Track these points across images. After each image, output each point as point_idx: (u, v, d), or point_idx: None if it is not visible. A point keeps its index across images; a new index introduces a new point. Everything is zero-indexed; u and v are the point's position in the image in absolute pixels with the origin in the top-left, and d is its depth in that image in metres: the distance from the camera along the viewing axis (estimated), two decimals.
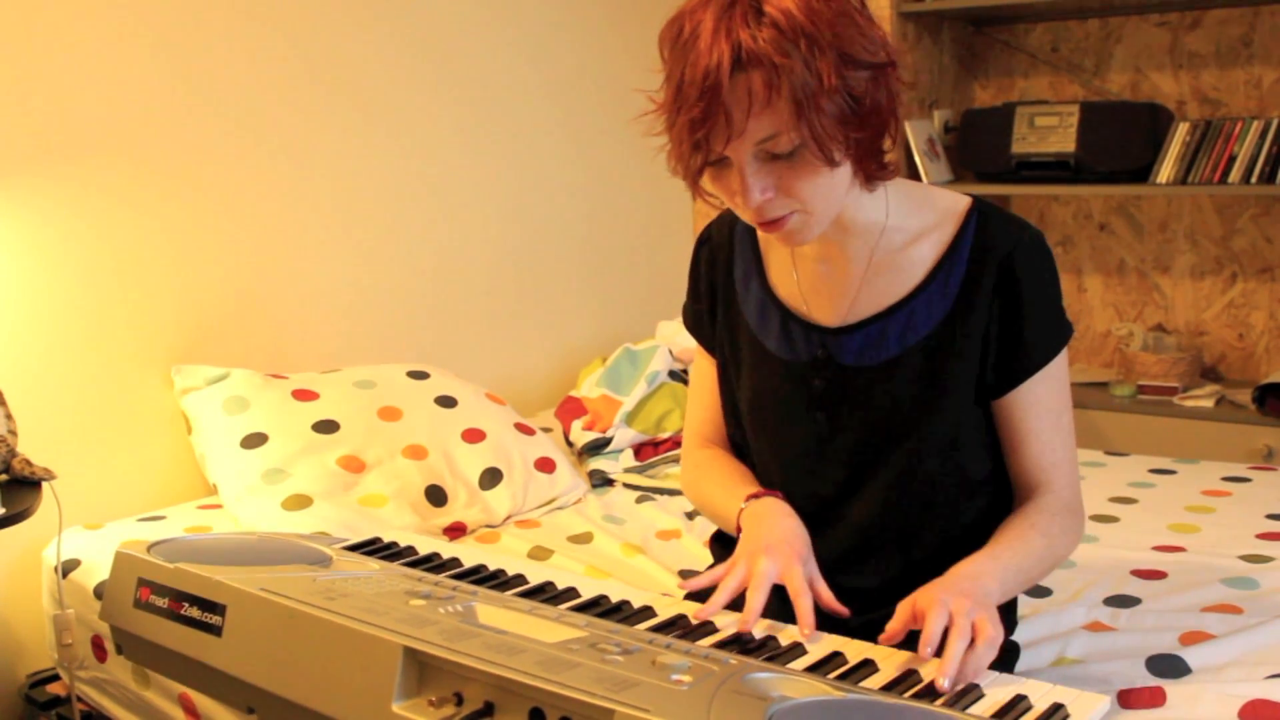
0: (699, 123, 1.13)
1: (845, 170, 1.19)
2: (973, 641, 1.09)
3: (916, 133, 3.22)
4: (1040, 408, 1.30)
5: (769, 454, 1.40)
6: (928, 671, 1.09)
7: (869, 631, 1.25)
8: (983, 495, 1.35)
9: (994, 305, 1.27)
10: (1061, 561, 1.31)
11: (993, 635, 1.09)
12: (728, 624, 1.22)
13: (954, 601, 1.12)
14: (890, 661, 1.13)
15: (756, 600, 1.18)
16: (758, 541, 1.26)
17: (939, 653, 1.09)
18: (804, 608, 1.18)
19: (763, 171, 1.16)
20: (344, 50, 2.47)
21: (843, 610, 1.23)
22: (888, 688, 1.07)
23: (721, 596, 1.21)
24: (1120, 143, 3.00)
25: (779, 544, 1.25)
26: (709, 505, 1.45)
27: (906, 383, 1.29)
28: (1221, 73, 3.12)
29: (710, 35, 1.11)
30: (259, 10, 2.31)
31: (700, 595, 1.29)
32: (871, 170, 1.21)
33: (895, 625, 1.14)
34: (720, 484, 1.43)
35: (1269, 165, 2.81)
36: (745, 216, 1.22)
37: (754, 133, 1.13)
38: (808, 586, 1.21)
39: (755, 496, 1.35)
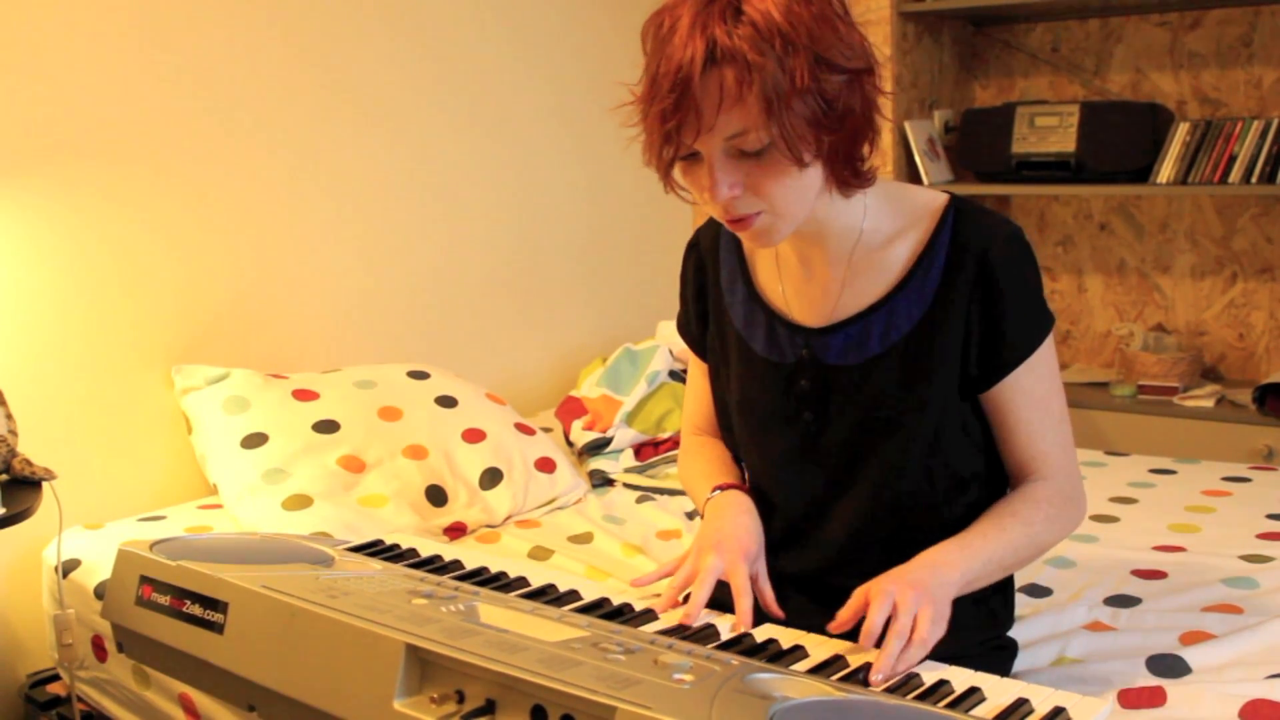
0: (669, 114, 1.15)
1: (815, 173, 1.20)
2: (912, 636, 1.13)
3: (916, 133, 3.22)
4: (1026, 398, 1.30)
5: (759, 455, 1.42)
6: (865, 664, 1.12)
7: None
8: (973, 492, 1.35)
9: (973, 300, 1.27)
10: (1046, 550, 1.32)
11: (926, 636, 1.13)
12: (726, 626, 1.23)
13: (900, 593, 1.15)
14: None
15: (700, 595, 1.24)
16: (709, 538, 1.32)
17: (880, 644, 1.13)
18: (743, 608, 1.23)
19: (731, 168, 1.18)
20: (344, 51, 2.47)
21: (779, 613, 1.28)
22: (890, 690, 1.07)
23: (669, 594, 1.28)
24: (1120, 143, 2.99)
25: (728, 540, 1.30)
26: (689, 489, 1.52)
27: (889, 380, 1.30)
28: (1221, 73, 3.12)
29: (687, 30, 1.13)
30: (259, 11, 2.31)
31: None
32: (845, 177, 1.22)
33: (845, 614, 1.18)
34: (700, 471, 1.48)
35: (1269, 165, 2.81)
36: (714, 213, 1.24)
37: (723, 128, 1.15)
38: (749, 586, 1.25)
39: (722, 489, 1.40)
